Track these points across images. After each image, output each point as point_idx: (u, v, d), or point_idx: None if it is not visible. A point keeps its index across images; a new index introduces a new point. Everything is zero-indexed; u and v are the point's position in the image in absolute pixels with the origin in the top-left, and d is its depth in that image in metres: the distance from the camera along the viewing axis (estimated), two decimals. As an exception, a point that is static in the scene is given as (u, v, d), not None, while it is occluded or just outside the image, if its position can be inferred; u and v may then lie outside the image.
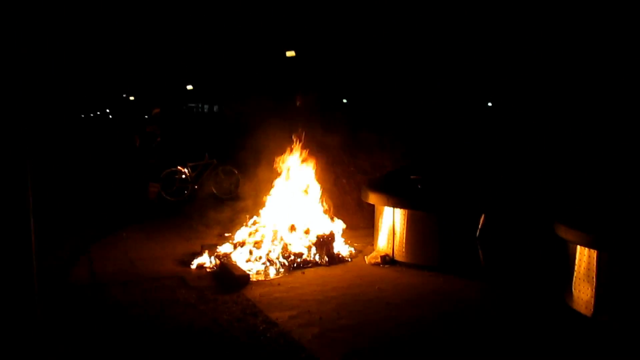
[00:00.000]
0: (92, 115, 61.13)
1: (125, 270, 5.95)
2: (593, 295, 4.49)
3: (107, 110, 62.09)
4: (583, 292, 4.60)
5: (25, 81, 1.68)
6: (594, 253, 4.48)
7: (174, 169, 10.86)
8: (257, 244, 6.43)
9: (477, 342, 4.12)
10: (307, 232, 6.68)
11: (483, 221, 5.81)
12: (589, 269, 4.53)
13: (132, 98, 53.45)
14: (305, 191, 7.37)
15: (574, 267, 4.72)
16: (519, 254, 5.78)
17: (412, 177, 6.20)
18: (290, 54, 19.46)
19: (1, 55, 1.60)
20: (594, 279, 4.48)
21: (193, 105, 48.08)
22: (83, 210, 9.58)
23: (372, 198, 6.46)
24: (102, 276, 5.71)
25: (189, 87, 40.77)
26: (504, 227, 5.82)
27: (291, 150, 7.51)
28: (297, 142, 7.47)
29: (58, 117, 34.91)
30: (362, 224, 8.11)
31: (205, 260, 6.23)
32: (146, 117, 10.87)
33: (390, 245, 6.31)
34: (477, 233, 5.81)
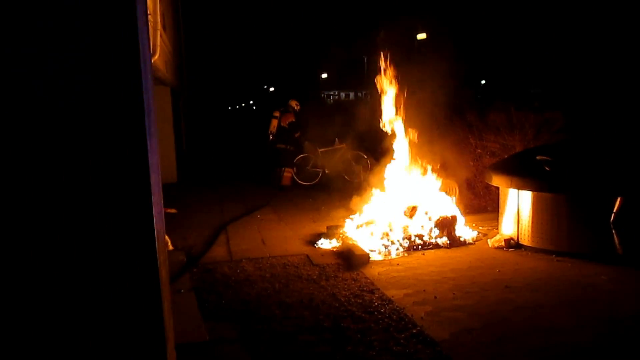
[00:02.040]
0: (237, 107, 65.46)
1: (256, 248, 6.48)
2: None
3: (251, 102, 66.00)
4: None
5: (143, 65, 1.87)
6: None
7: (306, 155, 11.43)
8: (379, 225, 6.60)
9: (597, 333, 3.89)
10: (428, 213, 6.70)
11: (620, 204, 5.40)
12: None
13: (272, 89, 56.31)
14: (430, 173, 7.37)
15: None
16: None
17: (538, 157, 5.91)
18: (421, 36, 19.17)
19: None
20: None
21: (331, 93, 49.42)
22: (224, 193, 10.47)
23: (496, 180, 6.28)
24: (236, 253, 6.28)
25: (324, 75, 42.00)
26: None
27: (417, 132, 7.53)
28: (424, 124, 7.48)
29: (209, 110, 38.02)
30: (490, 207, 7.92)
31: (329, 240, 6.55)
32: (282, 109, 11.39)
33: (515, 229, 6.11)
34: (613, 217, 5.42)
